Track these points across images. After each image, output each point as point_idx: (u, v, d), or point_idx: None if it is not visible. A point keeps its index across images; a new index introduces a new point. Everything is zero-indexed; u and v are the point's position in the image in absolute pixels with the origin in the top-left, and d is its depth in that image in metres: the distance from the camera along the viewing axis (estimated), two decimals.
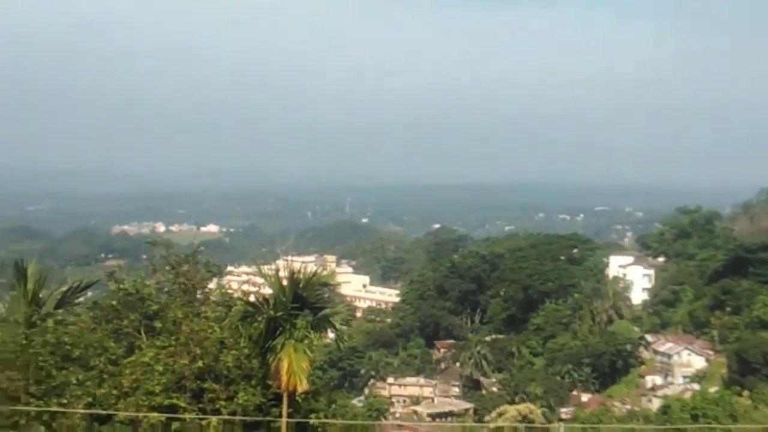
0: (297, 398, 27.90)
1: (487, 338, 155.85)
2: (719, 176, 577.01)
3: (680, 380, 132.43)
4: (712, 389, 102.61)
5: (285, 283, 27.64)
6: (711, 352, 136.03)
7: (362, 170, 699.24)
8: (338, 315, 28.23)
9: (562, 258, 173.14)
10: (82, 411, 26.64)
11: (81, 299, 32.53)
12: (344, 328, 29.02)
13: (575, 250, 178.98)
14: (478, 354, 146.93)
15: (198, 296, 31.21)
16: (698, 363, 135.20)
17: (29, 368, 27.72)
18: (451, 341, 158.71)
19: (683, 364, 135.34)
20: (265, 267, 28.70)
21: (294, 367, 26.82)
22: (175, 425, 26.65)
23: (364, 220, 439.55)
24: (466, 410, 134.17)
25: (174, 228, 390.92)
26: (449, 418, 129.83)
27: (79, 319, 30.82)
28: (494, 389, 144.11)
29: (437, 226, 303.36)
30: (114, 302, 30.66)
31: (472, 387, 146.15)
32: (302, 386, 27.05)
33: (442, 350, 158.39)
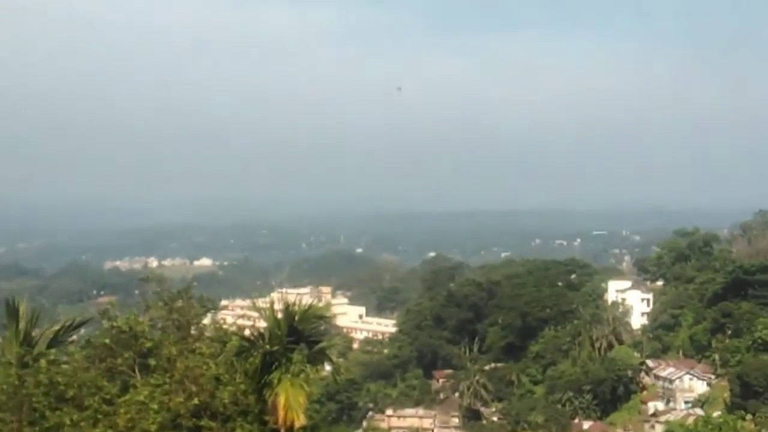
0: None
1: (486, 367, 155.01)
2: (716, 198, 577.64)
3: (682, 405, 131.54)
4: (715, 414, 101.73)
5: (280, 316, 27.33)
6: (713, 376, 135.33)
7: (355, 199, 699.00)
8: (334, 347, 27.86)
9: (560, 284, 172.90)
10: None
11: (74, 338, 32.02)
12: (341, 360, 28.75)
13: (573, 276, 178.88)
14: (478, 383, 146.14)
15: (192, 332, 30.71)
16: (700, 387, 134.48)
17: (22, 410, 27.23)
18: (450, 371, 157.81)
19: (685, 389, 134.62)
20: (260, 300, 28.41)
21: (291, 401, 26.47)
22: None
23: (359, 250, 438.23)
24: None
25: (167, 262, 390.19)
26: None
27: (72, 358, 30.33)
28: (494, 419, 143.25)
29: (432, 254, 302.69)
30: (107, 340, 30.13)
31: (472, 417, 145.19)
32: (300, 421, 26.70)
33: (441, 380, 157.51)
